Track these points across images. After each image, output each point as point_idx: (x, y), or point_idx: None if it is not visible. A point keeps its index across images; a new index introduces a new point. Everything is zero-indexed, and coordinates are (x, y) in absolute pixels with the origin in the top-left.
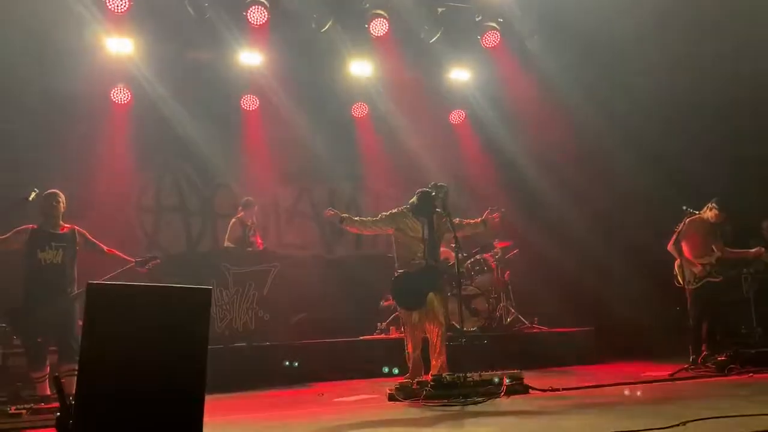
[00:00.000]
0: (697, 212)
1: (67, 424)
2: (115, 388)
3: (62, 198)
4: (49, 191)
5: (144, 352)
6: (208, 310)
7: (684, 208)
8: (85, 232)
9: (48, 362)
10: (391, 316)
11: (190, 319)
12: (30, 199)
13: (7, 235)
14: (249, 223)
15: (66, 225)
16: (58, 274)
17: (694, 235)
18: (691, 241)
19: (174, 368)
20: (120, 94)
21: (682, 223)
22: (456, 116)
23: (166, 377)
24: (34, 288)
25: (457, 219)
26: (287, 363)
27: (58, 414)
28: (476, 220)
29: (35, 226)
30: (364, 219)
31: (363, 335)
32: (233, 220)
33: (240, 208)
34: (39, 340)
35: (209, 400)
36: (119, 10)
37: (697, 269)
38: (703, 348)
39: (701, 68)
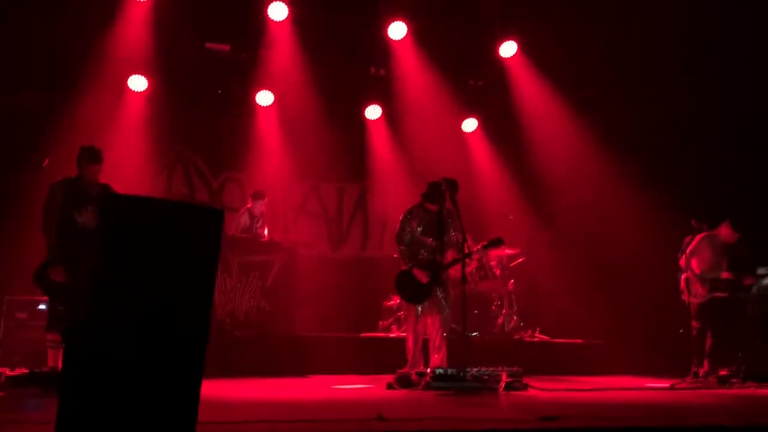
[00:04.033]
0: (705, 226)
1: (76, 335)
2: (126, 301)
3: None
4: (91, 146)
5: (155, 267)
6: (220, 233)
7: (693, 222)
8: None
9: None
10: (393, 316)
11: (201, 239)
12: (44, 165)
13: (53, 196)
14: (257, 214)
15: (99, 183)
16: (93, 239)
17: (705, 250)
18: (700, 257)
19: (183, 288)
20: (137, 83)
21: (692, 238)
22: (469, 124)
23: (176, 296)
24: (67, 251)
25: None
26: None
27: (67, 325)
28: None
29: (71, 178)
30: (405, 249)
31: (364, 332)
32: (242, 210)
33: (249, 199)
34: (60, 307)
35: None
36: None
37: (704, 284)
38: (706, 363)
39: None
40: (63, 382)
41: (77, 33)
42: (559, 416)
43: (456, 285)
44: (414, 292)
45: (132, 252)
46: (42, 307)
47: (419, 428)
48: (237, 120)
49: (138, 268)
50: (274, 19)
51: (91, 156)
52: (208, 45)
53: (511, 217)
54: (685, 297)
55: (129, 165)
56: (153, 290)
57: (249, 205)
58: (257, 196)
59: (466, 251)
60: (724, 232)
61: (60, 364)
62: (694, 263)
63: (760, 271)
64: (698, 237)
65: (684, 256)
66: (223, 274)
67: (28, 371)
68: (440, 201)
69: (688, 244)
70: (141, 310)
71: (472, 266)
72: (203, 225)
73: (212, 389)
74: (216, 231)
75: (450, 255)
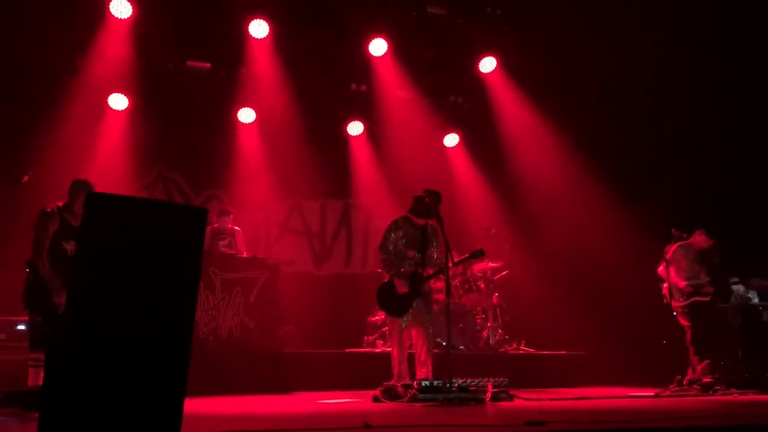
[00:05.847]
0: (685, 235)
1: (57, 343)
2: (109, 301)
3: None
4: (84, 179)
5: (139, 265)
6: (204, 231)
7: (673, 231)
8: None
9: None
10: (378, 331)
11: (185, 238)
12: (24, 181)
13: (47, 228)
14: (225, 231)
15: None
16: None
17: (682, 259)
18: (678, 265)
19: (167, 287)
20: (117, 101)
21: (670, 247)
22: (450, 139)
23: (160, 296)
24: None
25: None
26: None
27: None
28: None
29: (60, 207)
30: (387, 257)
31: (349, 348)
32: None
33: (215, 218)
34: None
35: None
36: (122, 17)
37: (685, 287)
38: (690, 370)
39: None
40: (44, 392)
41: (58, 49)
42: (545, 421)
43: (440, 298)
44: (395, 305)
45: (114, 250)
46: (21, 327)
47: None
48: (219, 138)
49: (120, 267)
50: (256, 37)
51: (82, 188)
52: (189, 63)
53: (492, 231)
54: (666, 300)
55: (109, 184)
56: (136, 290)
57: (215, 225)
58: (221, 213)
59: (450, 264)
60: (699, 239)
61: (41, 383)
62: (672, 272)
63: (732, 280)
64: (674, 246)
65: (663, 265)
66: (206, 291)
67: (7, 391)
68: (426, 215)
69: (667, 252)
70: (124, 311)
71: (456, 280)
72: (186, 223)
73: (196, 406)
74: (200, 229)
75: (431, 269)
